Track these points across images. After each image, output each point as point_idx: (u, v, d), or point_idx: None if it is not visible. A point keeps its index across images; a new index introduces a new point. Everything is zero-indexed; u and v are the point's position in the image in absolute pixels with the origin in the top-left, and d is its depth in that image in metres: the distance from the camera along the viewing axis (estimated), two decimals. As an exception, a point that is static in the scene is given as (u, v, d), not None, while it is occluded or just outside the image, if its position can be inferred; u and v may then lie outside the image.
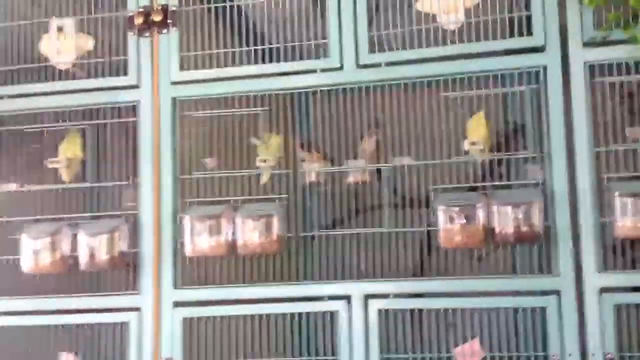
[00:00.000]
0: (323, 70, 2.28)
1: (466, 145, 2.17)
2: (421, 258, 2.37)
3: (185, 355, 2.27)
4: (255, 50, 2.37)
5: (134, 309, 2.33)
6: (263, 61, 2.36)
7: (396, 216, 2.29)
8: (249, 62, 2.36)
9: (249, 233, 2.25)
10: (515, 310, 2.09)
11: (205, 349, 2.27)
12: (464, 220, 2.10)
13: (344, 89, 2.29)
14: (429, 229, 2.19)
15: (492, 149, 2.23)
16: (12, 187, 2.49)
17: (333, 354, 2.20)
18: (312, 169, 2.38)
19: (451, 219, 2.12)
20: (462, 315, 2.11)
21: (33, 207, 2.46)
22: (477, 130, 2.17)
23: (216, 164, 2.36)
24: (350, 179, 2.37)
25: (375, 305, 2.17)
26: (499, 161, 2.24)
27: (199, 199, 2.34)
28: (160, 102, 2.37)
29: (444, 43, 2.21)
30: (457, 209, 2.12)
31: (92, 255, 2.35)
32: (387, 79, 2.25)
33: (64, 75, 2.46)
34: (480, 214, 2.11)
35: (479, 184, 2.19)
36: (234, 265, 2.35)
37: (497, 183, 2.21)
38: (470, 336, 2.10)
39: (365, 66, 2.26)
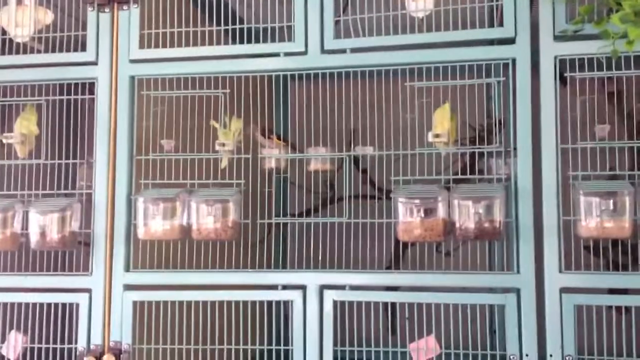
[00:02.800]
0: (287, 54, 1.97)
1: (430, 137, 1.87)
2: (384, 251, 2.06)
3: (134, 339, 1.96)
4: (218, 31, 2.04)
5: (84, 290, 2.01)
6: (225, 42, 2.04)
7: (359, 206, 1.99)
8: (210, 43, 2.03)
9: (203, 218, 1.95)
10: (474, 307, 1.81)
11: (155, 333, 1.96)
12: (423, 214, 1.81)
13: (308, 74, 1.98)
14: (388, 220, 1.89)
15: (458, 141, 1.93)
16: (-36, 161, 2.16)
17: (286, 343, 1.90)
18: (272, 155, 2.07)
19: (410, 212, 1.83)
20: (419, 310, 1.82)
21: (-15, 183, 2.13)
22: (442, 122, 1.87)
23: (173, 146, 2.04)
24: (312, 166, 2.06)
25: (330, 296, 1.87)
26: (463, 154, 1.95)
27: (155, 181, 2.02)
28: (118, 80, 2.05)
29: (412, 31, 1.91)
30: (416, 201, 1.82)
31: (42, 234, 2.03)
32: (351, 65, 1.94)
33: (21, 48, 2.12)
34: (441, 208, 1.82)
35: (441, 177, 1.89)
36: (187, 250, 2.03)
37: (459, 177, 1.93)
38: (426, 332, 1.81)
39: (330, 52, 1.95)
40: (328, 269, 1.95)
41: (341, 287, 1.88)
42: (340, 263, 2.01)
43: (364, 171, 2.36)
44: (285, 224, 2.10)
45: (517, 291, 1.77)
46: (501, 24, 1.85)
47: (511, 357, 1.75)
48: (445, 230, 1.81)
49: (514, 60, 1.83)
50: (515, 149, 1.81)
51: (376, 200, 2.29)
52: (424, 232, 1.81)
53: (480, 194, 1.78)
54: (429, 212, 1.81)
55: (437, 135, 1.85)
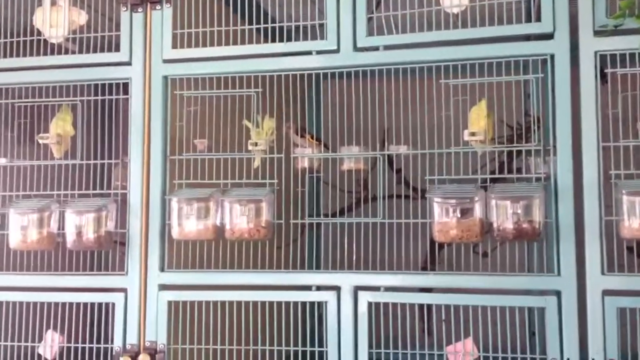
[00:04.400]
0: (319, 52, 1.88)
1: (465, 136, 1.77)
2: (419, 251, 1.95)
3: (169, 339, 1.90)
4: (250, 30, 1.96)
5: (120, 290, 1.95)
6: (258, 41, 1.96)
7: (393, 206, 1.89)
8: (242, 42, 1.94)
9: (237, 218, 1.87)
10: (513, 309, 1.71)
11: (190, 333, 1.90)
12: (459, 214, 1.71)
13: (341, 73, 1.89)
14: (423, 221, 1.80)
15: (494, 140, 1.82)
16: (2, 161, 2.10)
17: (321, 345, 1.82)
18: (306, 154, 1.98)
19: (446, 212, 1.73)
20: (457, 312, 1.72)
21: (22, 183, 2.07)
22: (478, 120, 1.77)
23: (206, 146, 1.97)
24: (345, 166, 1.96)
25: (365, 297, 1.79)
26: (500, 153, 1.84)
27: (189, 181, 1.95)
28: (152, 80, 1.97)
29: (446, 27, 1.81)
30: (452, 201, 1.73)
31: (78, 234, 1.98)
32: (385, 63, 1.84)
33: (56, 49, 2.06)
34: (477, 208, 1.72)
35: (477, 176, 1.78)
36: (221, 250, 1.96)
37: (497, 176, 1.82)
38: (464, 334, 1.71)
39: (363, 49, 1.86)
40: (362, 270, 1.86)
41: (376, 289, 1.79)
42: (374, 264, 1.92)
43: (398, 171, 2.25)
44: (318, 224, 2.01)
45: (558, 293, 1.67)
46: (539, 19, 1.74)
47: (551, 360, 1.65)
48: (483, 230, 1.71)
49: (552, 56, 1.72)
50: (554, 147, 1.70)
51: (410, 200, 2.18)
52: (460, 232, 1.71)
53: (519, 193, 1.68)
54: (466, 212, 1.71)
55: (473, 134, 1.75)
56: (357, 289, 1.80)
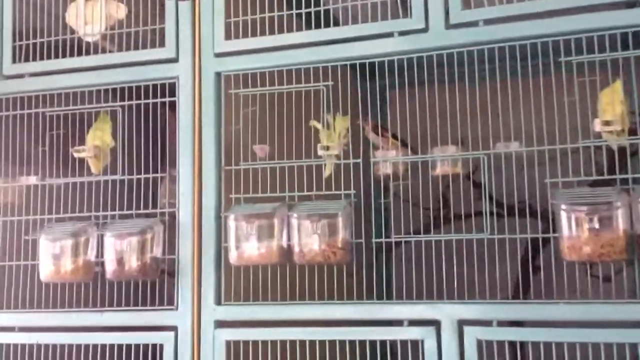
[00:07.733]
0: (402, 33, 1.48)
1: (597, 126, 1.33)
2: (534, 274, 1.50)
3: (229, 388, 1.48)
4: (317, 12, 1.56)
5: (170, 328, 1.55)
6: (326, 25, 1.56)
7: (499, 219, 1.44)
8: (308, 27, 1.55)
9: (307, 238, 1.46)
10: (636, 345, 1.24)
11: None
12: (597, 225, 1.27)
13: (430, 57, 1.47)
14: (546, 235, 1.35)
15: (633, 130, 1.37)
16: (32, 180, 1.74)
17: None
18: (388, 158, 1.55)
19: (578, 223, 1.29)
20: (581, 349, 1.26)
21: (56, 205, 1.69)
22: (612, 106, 1.33)
23: (268, 153, 1.57)
24: (438, 170, 1.52)
25: (472, 334, 1.35)
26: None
27: (248, 195, 1.55)
28: (202, 78, 1.59)
29: (557, -5, 1.38)
30: (585, 208, 1.28)
31: (119, 262, 1.59)
32: (485, 41, 1.42)
33: (92, 49, 1.70)
34: (620, 216, 1.27)
35: (616, 176, 1.33)
36: (288, 277, 1.54)
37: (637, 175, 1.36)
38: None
39: (458, 26, 1.44)
40: (467, 299, 1.41)
41: (487, 323, 1.35)
42: (462, 291, 1.47)
43: (477, 185, 1.79)
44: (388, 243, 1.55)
45: None
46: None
47: None
48: (629, 246, 1.26)
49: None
50: None
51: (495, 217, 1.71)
52: (599, 248, 1.26)
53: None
54: (604, 222, 1.27)
55: (607, 123, 1.31)
56: (461, 323, 1.36)
